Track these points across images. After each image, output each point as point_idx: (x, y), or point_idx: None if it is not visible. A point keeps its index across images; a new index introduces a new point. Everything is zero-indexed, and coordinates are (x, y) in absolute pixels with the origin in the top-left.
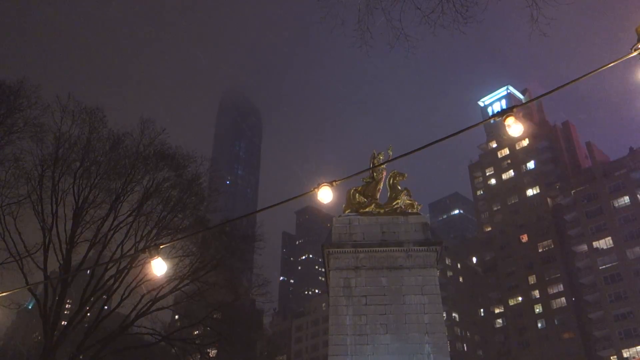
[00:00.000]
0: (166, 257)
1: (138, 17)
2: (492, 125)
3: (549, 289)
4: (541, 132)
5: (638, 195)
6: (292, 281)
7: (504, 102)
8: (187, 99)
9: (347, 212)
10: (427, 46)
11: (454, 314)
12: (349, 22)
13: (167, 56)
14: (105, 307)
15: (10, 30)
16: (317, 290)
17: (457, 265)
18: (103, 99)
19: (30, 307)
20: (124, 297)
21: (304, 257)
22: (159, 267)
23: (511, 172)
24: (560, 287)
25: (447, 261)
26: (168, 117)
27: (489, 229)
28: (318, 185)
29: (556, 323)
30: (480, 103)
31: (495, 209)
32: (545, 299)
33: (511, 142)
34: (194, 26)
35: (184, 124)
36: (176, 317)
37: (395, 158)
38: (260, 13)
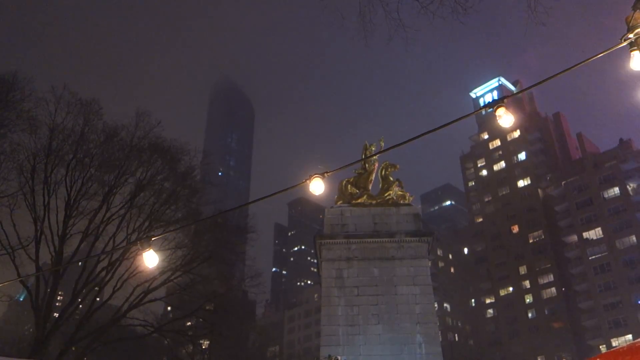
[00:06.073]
0: (158, 249)
1: (129, 8)
2: (484, 117)
3: (539, 279)
4: (532, 123)
5: (628, 187)
6: (284, 272)
7: (495, 94)
8: (179, 90)
9: (339, 203)
10: (420, 39)
11: (445, 304)
12: (347, 15)
13: (157, 47)
14: (97, 299)
15: (4, 23)
16: (309, 282)
17: (449, 256)
18: (94, 91)
19: (21, 299)
20: (116, 289)
21: (296, 249)
22: (150, 259)
23: (502, 163)
24: (551, 278)
25: (439, 252)
26: (159, 108)
27: (480, 219)
28: (310, 177)
29: (546, 313)
30: (472, 94)
31: (486, 200)
32: (536, 289)
33: (502, 134)
34: (184, 16)
35: (176, 114)
36: (168, 308)
37: (387, 149)
38: (252, 2)
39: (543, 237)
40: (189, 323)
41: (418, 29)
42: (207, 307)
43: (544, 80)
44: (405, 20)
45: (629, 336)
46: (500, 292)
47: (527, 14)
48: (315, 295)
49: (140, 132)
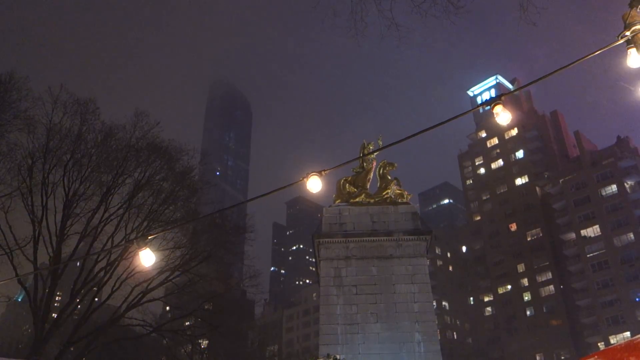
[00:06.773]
0: (157, 249)
1: (125, 8)
2: (481, 115)
3: (537, 277)
4: (530, 121)
5: (625, 184)
6: (282, 272)
7: (493, 92)
8: (176, 90)
9: (337, 202)
10: (417, 37)
11: (443, 303)
12: (340, 12)
13: (155, 47)
14: (96, 299)
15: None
16: (307, 281)
17: (447, 254)
18: (91, 91)
19: (20, 300)
20: (114, 289)
21: (294, 248)
22: (147, 258)
23: (500, 162)
24: (549, 275)
25: (437, 250)
26: (157, 108)
27: (478, 218)
28: (307, 175)
29: (544, 310)
30: (470, 93)
31: (484, 198)
32: (534, 287)
33: (500, 132)
34: (181, 16)
35: (173, 115)
36: (167, 308)
37: (385, 147)
38: (249, 2)
39: (541, 234)
40: (187, 323)
41: (411, 28)
42: (206, 307)
43: (541, 78)
44: (398, 19)
45: (627, 333)
46: (499, 290)
47: (519, 14)
48: (314, 294)
49: (138, 132)
